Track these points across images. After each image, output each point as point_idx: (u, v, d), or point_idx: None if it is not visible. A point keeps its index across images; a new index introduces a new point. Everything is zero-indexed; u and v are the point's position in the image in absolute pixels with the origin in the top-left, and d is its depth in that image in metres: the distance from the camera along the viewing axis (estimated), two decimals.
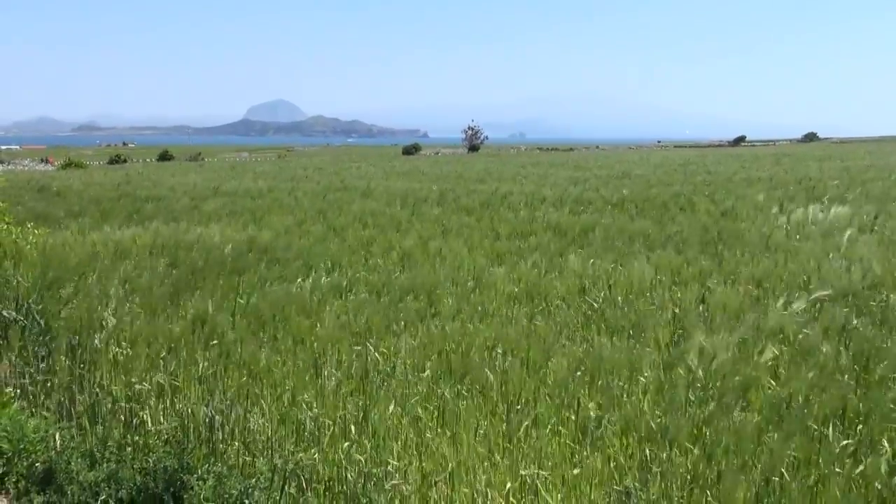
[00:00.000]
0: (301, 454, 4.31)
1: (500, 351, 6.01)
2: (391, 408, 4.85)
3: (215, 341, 6.02)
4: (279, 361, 5.85)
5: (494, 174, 33.10)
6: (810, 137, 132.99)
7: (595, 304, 7.54)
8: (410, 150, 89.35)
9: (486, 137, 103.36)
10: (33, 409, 5.16)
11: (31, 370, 5.64)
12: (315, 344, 6.18)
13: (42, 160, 71.22)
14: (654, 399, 5.03)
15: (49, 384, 5.45)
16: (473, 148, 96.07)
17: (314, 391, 5.17)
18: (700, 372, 4.88)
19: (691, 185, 23.90)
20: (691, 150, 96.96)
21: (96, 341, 5.92)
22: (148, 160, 69.85)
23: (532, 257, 10.25)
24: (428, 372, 5.55)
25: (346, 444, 4.40)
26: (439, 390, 5.14)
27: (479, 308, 7.51)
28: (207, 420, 4.61)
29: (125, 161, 65.88)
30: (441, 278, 8.83)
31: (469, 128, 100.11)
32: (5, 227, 10.07)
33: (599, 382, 5.30)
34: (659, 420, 4.56)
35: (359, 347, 5.96)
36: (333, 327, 6.54)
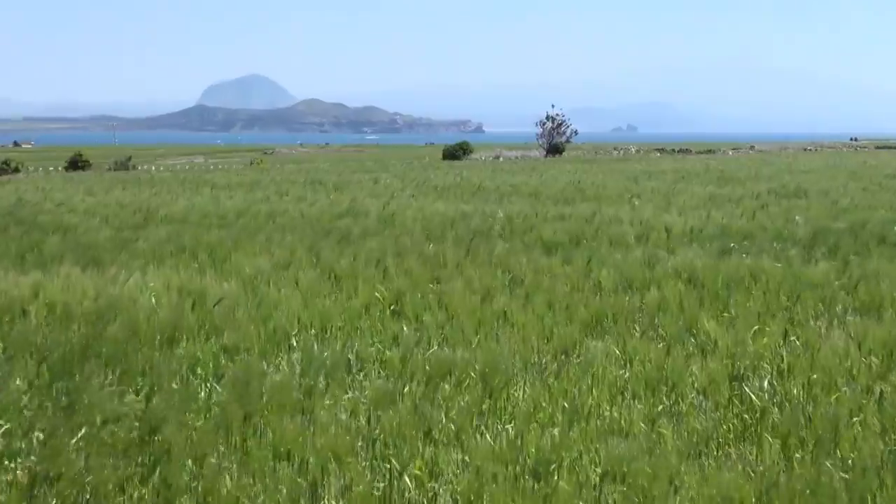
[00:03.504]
0: None
1: (599, 475, 5.92)
2: None
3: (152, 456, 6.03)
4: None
5: (590, 190, 33.11)
6: None
7: (756, 401, 7.41)
8: (455, 153, 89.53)
9: (575, 132, 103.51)
10: None
11: None
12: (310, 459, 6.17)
13: None
14: None
15: None
16: (555, 149, 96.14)
17: None
18: None
19: None
20: None
21: None
22: (52, 168, 71.74)
23: (652, 322, 10.14)
24: None
25: None
26: None
27: (568, 404, 7.43)
28: None
29: (17, 170, 67.64)
30: (507, 354, 8.79)
31: (548, 117, 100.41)
32: None
33: None
34: None
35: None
36: (335, 433, 6.52)
